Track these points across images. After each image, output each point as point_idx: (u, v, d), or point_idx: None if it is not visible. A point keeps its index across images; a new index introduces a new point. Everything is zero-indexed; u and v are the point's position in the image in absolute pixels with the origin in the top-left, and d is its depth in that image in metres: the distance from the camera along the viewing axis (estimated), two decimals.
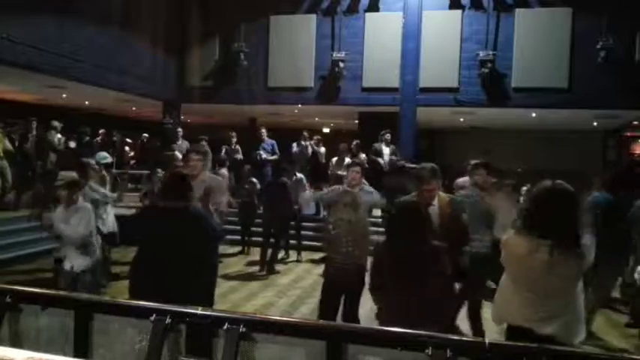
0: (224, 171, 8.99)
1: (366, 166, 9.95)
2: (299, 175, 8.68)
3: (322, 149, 11.46)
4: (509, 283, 2.65)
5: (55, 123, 10.28)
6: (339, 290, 4.09)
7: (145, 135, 12.30)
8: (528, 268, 2.50)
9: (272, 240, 7.83)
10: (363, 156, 10.26)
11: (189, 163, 4.60)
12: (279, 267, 7.89)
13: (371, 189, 5.24)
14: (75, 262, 4.55)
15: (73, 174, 5.28)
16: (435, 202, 3.69)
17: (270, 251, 7.75)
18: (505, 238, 2.67)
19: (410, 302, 2.86)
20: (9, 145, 9.16)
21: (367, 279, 3.40)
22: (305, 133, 11.58)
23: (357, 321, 4.13)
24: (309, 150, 11.35)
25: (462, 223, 3.75)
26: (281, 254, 8.28)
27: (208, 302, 3.92)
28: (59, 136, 10.39)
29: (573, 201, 2.55)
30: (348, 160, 10.31)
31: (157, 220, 3.52)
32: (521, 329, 2.49)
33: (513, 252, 2.58)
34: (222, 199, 4.69)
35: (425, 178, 3.72)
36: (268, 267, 7.68)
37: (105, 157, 7.08)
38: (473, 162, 4.87)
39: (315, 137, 11.66)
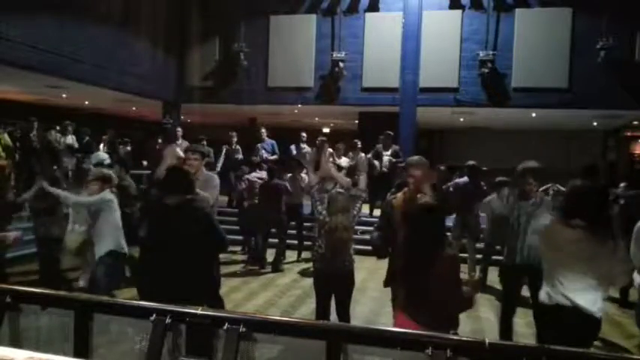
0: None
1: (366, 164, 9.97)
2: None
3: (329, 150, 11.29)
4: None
5: (66, 122, 10.29)
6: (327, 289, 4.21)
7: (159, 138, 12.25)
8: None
9: (267, 240, 8.01)
10: (362, 155, 10.23)
11: (187, 162, 4.59)
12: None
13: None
14: (97, 247, 4.60)
15: (104, 170, 5.27)
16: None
17: (274, 251, 7.89)
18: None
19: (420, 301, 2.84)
20: (9, 141, 9.16)
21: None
22: (303, 135, 11.47)
23: (349, 320, 4.20)
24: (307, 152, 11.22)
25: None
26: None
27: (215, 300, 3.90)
28: (72, 136, 10.39)
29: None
30: (345, 159, 10.32)
31: (158, 217, 3.48)
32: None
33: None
34: (214, 194, 4.65)
35: (409, 166, 3.75)
36: (273, 266, 7.77)
37: (104, 158, 7.03)
38: (522, 166, 4.21)
39: (320, 138, 11.49)
